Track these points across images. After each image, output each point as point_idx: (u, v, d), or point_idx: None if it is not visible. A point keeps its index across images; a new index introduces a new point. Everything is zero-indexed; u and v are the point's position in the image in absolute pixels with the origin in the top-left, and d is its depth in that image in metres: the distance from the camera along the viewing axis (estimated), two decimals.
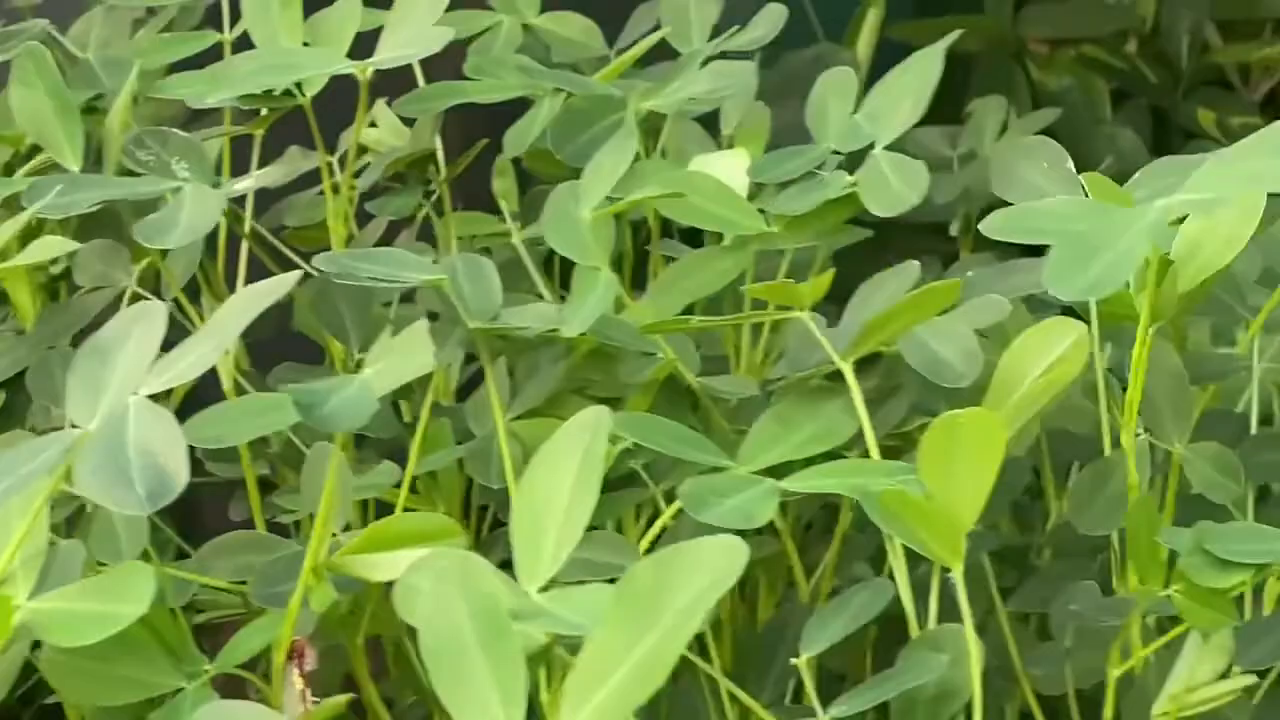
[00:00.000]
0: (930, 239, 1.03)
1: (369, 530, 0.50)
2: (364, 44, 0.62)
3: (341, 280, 0.52)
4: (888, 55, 1.47)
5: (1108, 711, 0.56)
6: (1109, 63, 1.50)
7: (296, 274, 0.44)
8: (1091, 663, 0.60)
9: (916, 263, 0.60)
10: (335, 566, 0.49)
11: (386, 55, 0.58)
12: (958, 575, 0.52)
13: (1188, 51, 1.50)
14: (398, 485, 0.57)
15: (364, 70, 0.58)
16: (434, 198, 0.69)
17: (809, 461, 0.54)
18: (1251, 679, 0.56)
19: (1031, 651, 0.61)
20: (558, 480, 0.42)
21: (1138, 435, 0.60)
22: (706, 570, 0.38)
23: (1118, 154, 1.30)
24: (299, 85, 0.59)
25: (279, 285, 0.43)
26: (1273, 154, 0.55)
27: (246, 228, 0.64)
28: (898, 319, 0.54)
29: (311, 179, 0.69)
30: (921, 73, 0.64)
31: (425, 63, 0.64)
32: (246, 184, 0.59)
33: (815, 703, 0.51)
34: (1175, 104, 1.44)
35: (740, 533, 0.50)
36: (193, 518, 0.69)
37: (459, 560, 0.40)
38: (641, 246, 0.70)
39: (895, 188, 0.60)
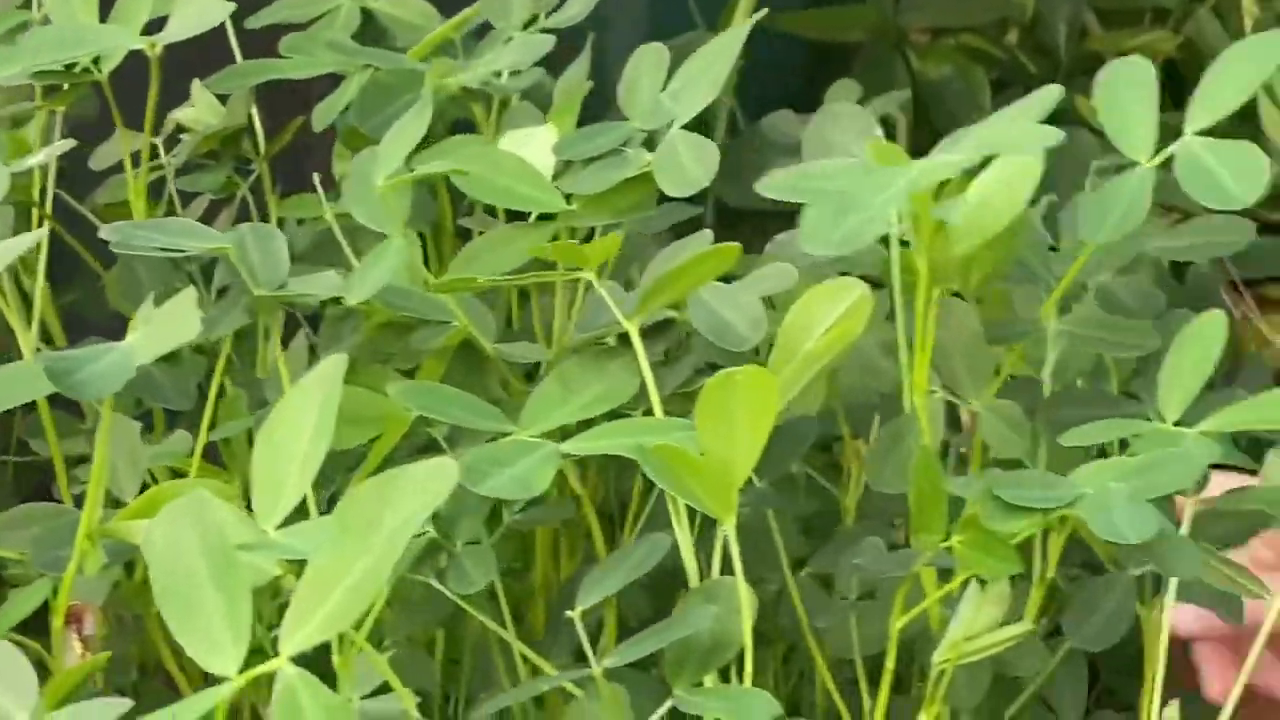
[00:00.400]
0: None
1: (143, 496, 0.51)
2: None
3: (122, 249, 0.53)
4: (777, 47, 1.50)
5: (889, 662, 0.58)
6: (989, 52, 1.52)
7: (34, 234, 0.45)
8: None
9: (709, 231, 0.61)
10: (108, 532, 0.50)
11: (173, 30, 0.58)
12: (730, 529, 0.53)
13: (1066, 40, 1.52)
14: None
15: (152, 46, 0.59)
16: (253, 177, 0.70)
17: (593, 423, 0.55)
18: (1027, 626, 0.57)
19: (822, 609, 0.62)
20: (297, 428, 0.44)
21: (934, 393, 0.62)
22: (417, 493, 0.39)
23: None
24: (96, 61, 0.60)
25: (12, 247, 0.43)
26: (1031, 119, 0.57)
27: (48, 206, 0.64)
28: (679, 280, 0.55)
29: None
30: (721, 53, 0.65)
31: None
32: (34, 160, 0.59)
33: (589, 655, 0.52)
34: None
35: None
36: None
37: (193, 499, 0.41)
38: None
39: (688, 167, 0.61)
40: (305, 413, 0.44)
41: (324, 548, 0.40)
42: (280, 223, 0.71)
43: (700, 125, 1.41)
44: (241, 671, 0.40)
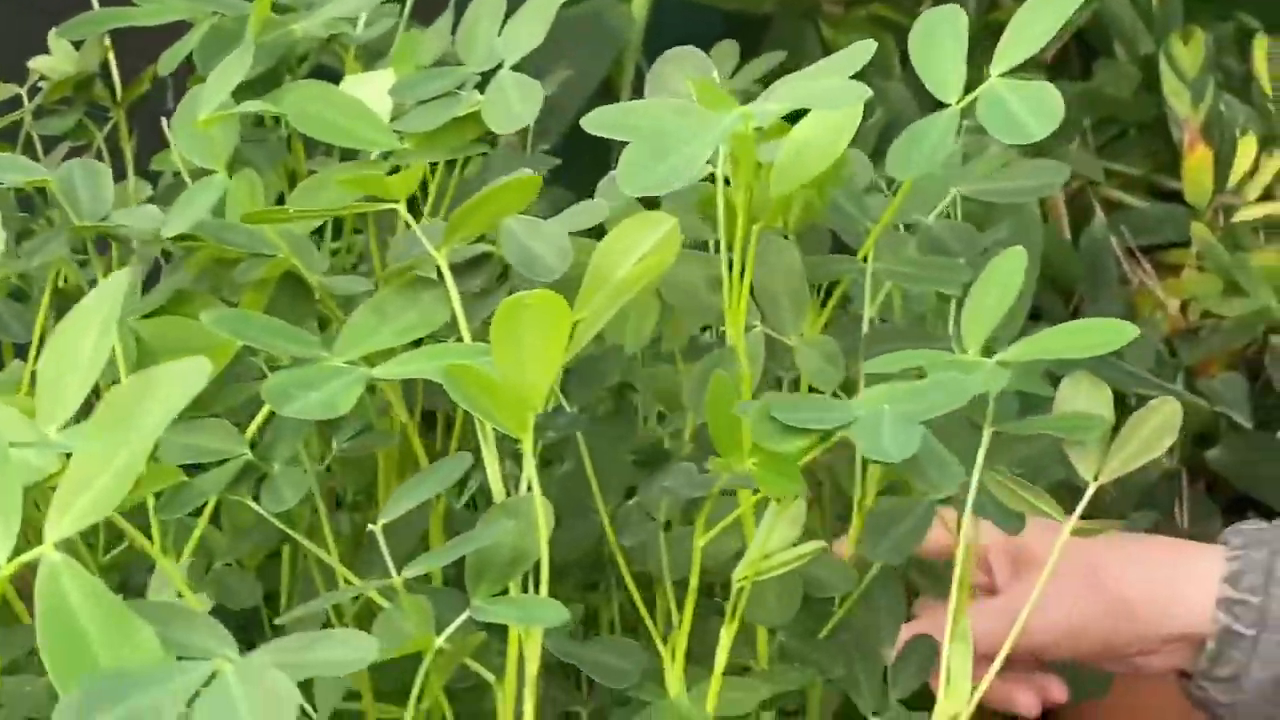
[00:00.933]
0: None
1: None
2: None
3: None
4: (692, 18, 1.52)
5: (693, 580, 0.60)
6: (899, 21, 1.54)
7: None
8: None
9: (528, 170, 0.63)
10: None
11: None
12: (526, 447, 0.55)
13: (976, 10, 1.54)
14: None
15: None
16: (109, 125, 0.72)
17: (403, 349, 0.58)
18: (819, 544, 0.60)
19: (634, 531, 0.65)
20: (80, 339, 0.46)
21: (755, 327, 0.65)
22: (173, 388, 0.42)
23: (888, 106, 1.35)
24: None
25: None
26: (842, 72, 0.60)
27: None
28: (482, 211, 0.58)
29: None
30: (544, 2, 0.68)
31: None
32: None
33: (390, 565, 0.55)
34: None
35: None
36: None
37: None
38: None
39: (514, 106, 0.64)
40: (88, 325, 0.46)
41: (87, 440, 0.42)
42: (155, 175, 0.74)
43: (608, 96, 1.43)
44: (10, 560, 0.42)
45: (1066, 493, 0.86)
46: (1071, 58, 1.58)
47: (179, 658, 0.43)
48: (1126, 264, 1.40)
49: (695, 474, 0.61)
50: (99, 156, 0.73)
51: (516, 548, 0.55)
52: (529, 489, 0.56)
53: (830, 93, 0.60)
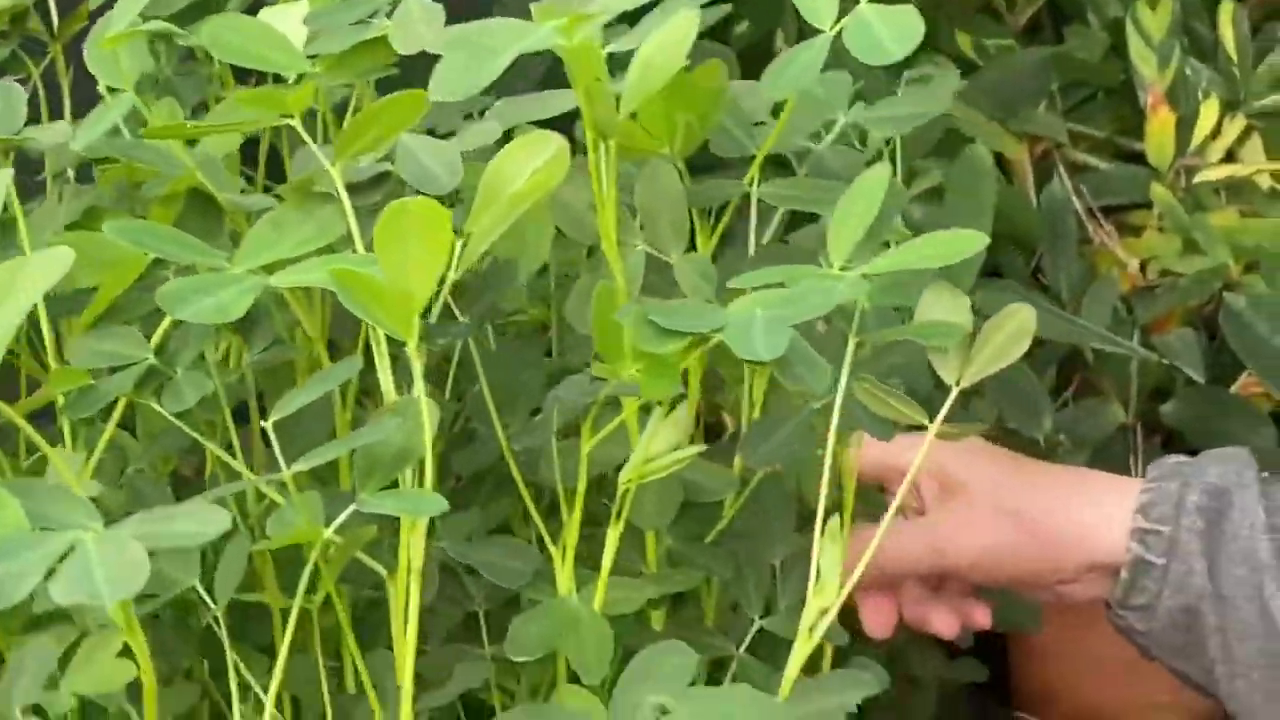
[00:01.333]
0: None
1: None
2: None
3: None
4: None
5: (580, 484, 0.63)
6: None
7: None
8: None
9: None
10: None
11: None
12: (411, 349, 0.58)
13: None
14: None
15: None
16: (46, 60, 0.75)
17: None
18: (698, 448, 0.62)
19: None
20: None
21: (637, 247, 0.67)
22: (39, 273, 0.45)
23: None
24: None
25: None
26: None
27: None
28: (372, 126, 0.60)
29: None
30: None
31: None
32: None
33: (282, 463, 0.57)
34: (937, 27, 1.49)
35: None
36: None
37: None
38: None
39: (419, 29, 0.66)
40: None
41: None
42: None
43: None
44: None
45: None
46: (1044, 23, 1.59)
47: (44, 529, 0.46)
48: (1089, 224, 1.42)
49: (586, 383, 0.64)
50: (35, 92, 0.76)
51: (403, 445, 0.58)
52: (423, 392, 0.58)
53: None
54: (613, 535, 0.63)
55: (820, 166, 0.73)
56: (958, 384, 0.64)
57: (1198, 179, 1.42)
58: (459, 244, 0.62)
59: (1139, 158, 1.46)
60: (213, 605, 0.59)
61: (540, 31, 0.56)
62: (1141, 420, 1.35)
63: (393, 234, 0.56)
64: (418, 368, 0.58)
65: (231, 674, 0.59)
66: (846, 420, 0.64)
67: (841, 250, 0.62)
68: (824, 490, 0.62)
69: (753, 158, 0.70)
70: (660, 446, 0.62)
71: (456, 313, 0.65)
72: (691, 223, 0.70)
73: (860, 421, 0.63)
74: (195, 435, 0.62)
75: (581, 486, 0.63)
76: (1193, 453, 1.37)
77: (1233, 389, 1.32)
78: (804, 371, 0.57)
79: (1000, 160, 1.46)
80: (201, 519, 0.47)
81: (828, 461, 0.62)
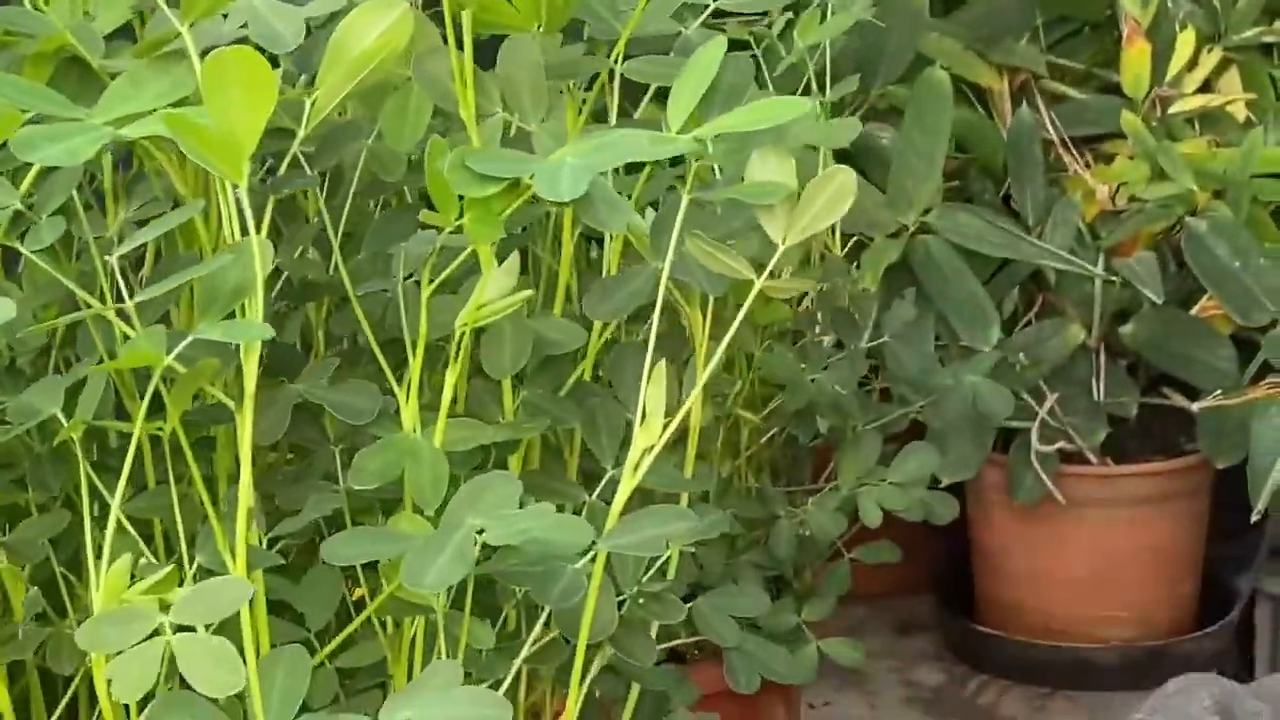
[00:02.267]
0: None
1: None
2: None
3: None
4: None
5: (422, 329, 0.66)
6: None
7: None
8: None
9: None
10: None
11: None
12: (242, 191, 0.61)
13: None
14: None
15: None
16: None
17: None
18: (528, 293, 0.65)
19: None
20: None
21: (497, 114, 0.70)
22: None
23: None
24: None
25: None
26: None
27: None
28: None
29: None
30: None
31: None
32: None
33: (125, 293, 0.61)
34: None
35: None
36: None
37: None
38: None
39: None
40: None
41: None
42: None
43: None
44: None
45: None
46: None
47: None
48: (1063, 152, 1.42)
49: (428, 235, 0.67)
50: None
51: (238, 282, 0.61)
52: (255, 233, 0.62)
53: None
54: (450, 377, 0.66)
55: (685, 47, 0.75)
56: (784, 242, 0.66)
57: (1173, 109, 1.41)
58: (308, 102, 0.65)
59: (1117, 89, 1.45)
60: (65, 423, 0.63)
61: None
62: (1105, 343, 1.35)
63: (216, 83, 0.59)
64: (249, 210, 0.61)
65: (85, 493, 0.63)
66: (681, 274, 0.66)
67: (678, 116, 0.64)
68: (653, 337, 0.64)
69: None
70: (495, 292, 0.64)
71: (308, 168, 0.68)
72: None
73: (695, 278, 0.65)
74: (59, 275, 0.65)
75: (424, 330, 0.66)
76: (1163, 379, 1.37)
77: (1193, 311, 1.32)
78: (605, 211, 0.60)
79: (980, 91, 1.46)
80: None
81: (657, 313, 0.65)
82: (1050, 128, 1.41)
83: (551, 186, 0.59)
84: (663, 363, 0.64)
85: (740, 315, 0.65)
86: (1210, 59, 1.43)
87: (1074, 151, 1.41)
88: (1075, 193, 1.36)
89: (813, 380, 1.03)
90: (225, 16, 0.67)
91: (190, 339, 0.61)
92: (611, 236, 0.73)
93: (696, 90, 0.65)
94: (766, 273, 0.66)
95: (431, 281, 0.65)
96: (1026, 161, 1.36)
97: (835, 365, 1.05)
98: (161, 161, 0.69)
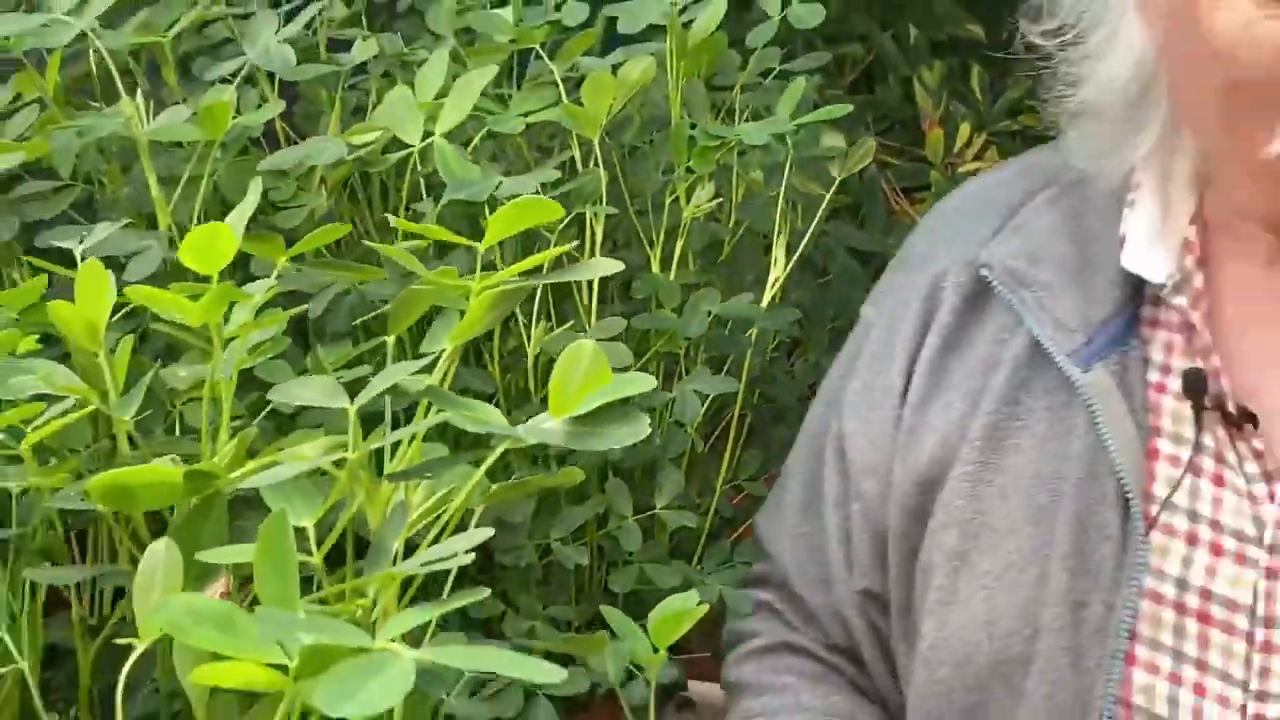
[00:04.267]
0: None
1: None
2: None
3: None
4: None
5: None
6: None
7: None
8: None
9: None
10: None
11: None
12: None
13: None
14: None
15: None
16: None
17: None
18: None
19: None
20: None
21: None
22: None
23: None
24: None
25: None
26: None
27: None
28: None
29: None
30: None
31: None
32: None
33: None
34: None
35: None
36: None
37: None
38: None
39: None
40: None
41: None
42: None
43: None
44: None
45: None
46: (860, 80, 2.33)
47: None
48: (892, 198, 2.14)
49: None
50: None
51: None
52: None
53: None
54: None
55: None
56: None
57: (960, 171, 2.16)
58: None
59: (924, 158, 2.20)
60: None
61: None
62: None
63: None
64: None
65: None
66: None
67: None
68: None
69: None
70: None
71: None
72: None
73: None
74: None
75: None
76: None
77: None
78: None
79: None
80: None
81: None
82: (885, 182, 2.14)
83: None
84: None
85: None
86: (978, 140, 2.19)
87: (900, 196, 2.15)
88: (904, 222, 2.09)
89: None
90: None
91: None
92: None
93: None
94: None
95: None
96: (872, 201, 2.08)
97: None
98: None
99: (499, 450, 0.76)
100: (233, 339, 0.80)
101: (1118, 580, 0.98)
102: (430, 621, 0.68)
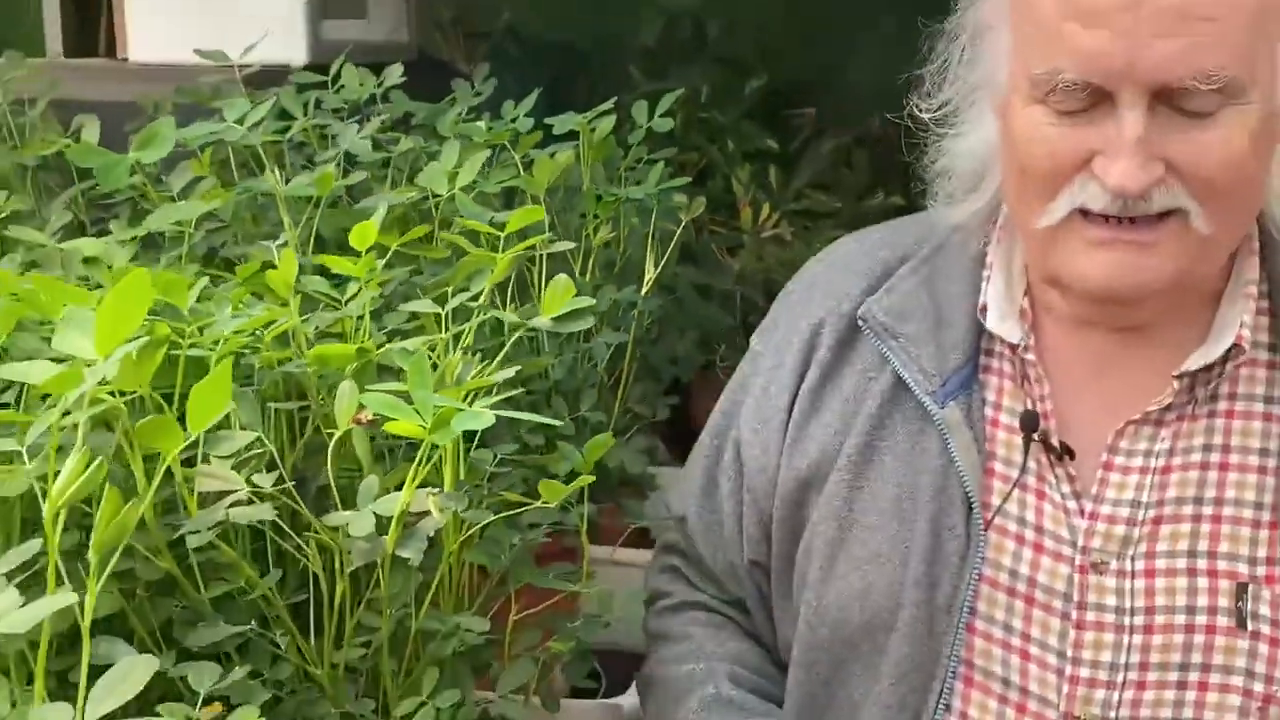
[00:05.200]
0: None
1: None
2: None
3: None
4: None
5: None
6: None
7: None
8: None
9: None
10: None
11: None
12: None
13: None
14: None
15: None
16: None
17: None
18: None
19: None
20: None
21: None
22: None
23: None
24: None
25: None
26: None
27: None
28: None
29: None
30: None
31: None
32: None
33: None
34: None
35: None
36: None
37: None
38: None
39: None
40: None
41: None
42: None
43: None
44: None
45: None
46: (695, 177, 3.08)
47: None
48: (718, 253, 2.90)
49: None
50: None
51: None
52: None
53: None
54: None
55: None
56: None
57: (762, 235, 2.94)
58: None
59: (739, 228, 2.98)
60: None
61: None
62: None
63: None
64: None
65: None
66: None
67: None
68: None
69: None
70: None
71: None
72: None
73: None
74: None
75: None
76: None
77: None
78: None
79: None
80: None
81: None
82: (713, 243, 2.91)
83: None
84: None
85: None
86: (775, 216, 2.99)
87: (725, 253, 2.93)
88: (727, 267, 2.86)
89: None
90: None
91: None
92: None
93: None
94: None
95: None
96: (706, 253, 2.85)
97: None
98: None
99: (515, 335, 1.45)
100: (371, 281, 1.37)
101: (962, 568, 1.16)
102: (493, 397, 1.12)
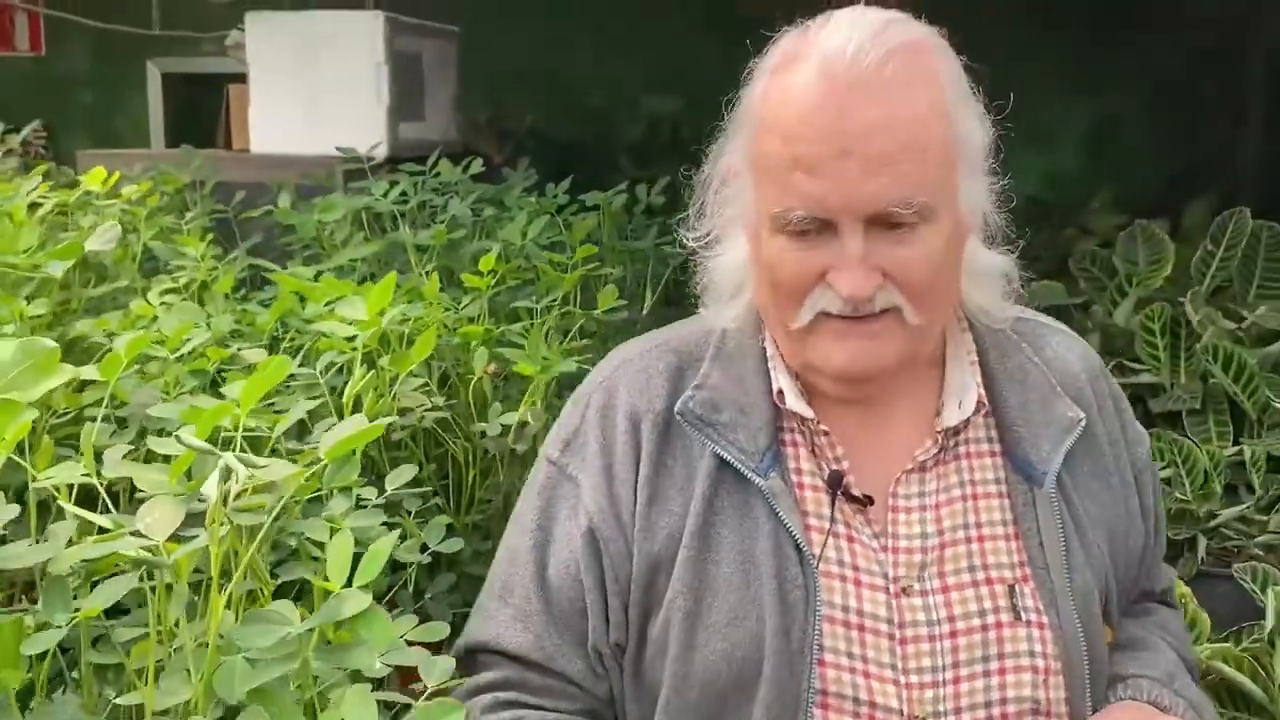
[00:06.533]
0: None
1: None
2: None
3: None
4: None
5: None
6: None
7: None
8: None
9: None
10: None
11: None
12: None
13: None
14: None
15: None
16: None
17: None
18: None
19: None
20: None
21: None
22: None
23: None
24: None
25: None
26: None
27: None
28: None
29: None
30: None
31: None
32: None
33: None
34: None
35: None
36: None
37: None
38: None
39: None
40: None
41: None
42: None
43: None
44: None
45: None
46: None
47: None
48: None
49: None
50: None
51: None
52: None
53: None
54: None
55: None
56: None
57: None
58: None
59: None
60: None
61: None
62: None
63: None
64: None
65: None
66: None
67: None
68: None
69: None
70: None
71: None
72: None
73: None
74: None
75: None
76: None
77: None
78: None
79: None
80: None
81: None
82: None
83: None
84: None
85: None
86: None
87: None
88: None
89: None
90: None
91: None
92: None
93: None
94: None
95: None
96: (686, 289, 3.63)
97: None
98: None
99: (579, 323, 2.26)
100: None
101: (807, 612, 1.24)
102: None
